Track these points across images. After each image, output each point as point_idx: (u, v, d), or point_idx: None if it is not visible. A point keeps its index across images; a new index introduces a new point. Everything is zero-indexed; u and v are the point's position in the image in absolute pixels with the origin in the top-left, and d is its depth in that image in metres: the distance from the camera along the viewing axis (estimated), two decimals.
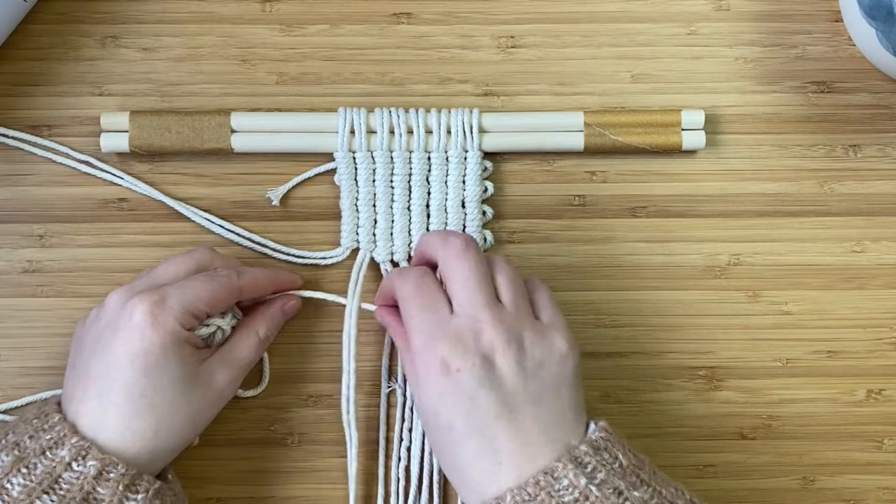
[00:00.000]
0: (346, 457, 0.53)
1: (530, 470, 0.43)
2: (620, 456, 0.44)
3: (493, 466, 0.44)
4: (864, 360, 0.55)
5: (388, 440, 0.54)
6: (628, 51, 0.56)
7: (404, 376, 0.54)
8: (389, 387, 0.54)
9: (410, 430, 0.53)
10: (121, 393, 0.45)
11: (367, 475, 0.53)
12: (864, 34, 0.53)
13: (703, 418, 0.55)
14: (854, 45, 0.56)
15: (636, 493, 0.43)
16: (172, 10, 0.55)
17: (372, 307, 0.52)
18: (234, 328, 0.50)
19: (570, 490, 0.42)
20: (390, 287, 0.49)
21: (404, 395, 0.54)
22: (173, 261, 0.50)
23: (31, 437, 0.45)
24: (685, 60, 0.56)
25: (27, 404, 0.53)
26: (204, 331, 0.49)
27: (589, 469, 0.43)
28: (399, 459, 0.53)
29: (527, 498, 0.42)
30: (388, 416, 0.54)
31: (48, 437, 0.45)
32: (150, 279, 0.49)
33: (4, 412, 0.53)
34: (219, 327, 0.49)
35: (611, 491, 0.42)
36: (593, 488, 0.42)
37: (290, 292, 0.53)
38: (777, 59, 0.56)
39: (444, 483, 0.54)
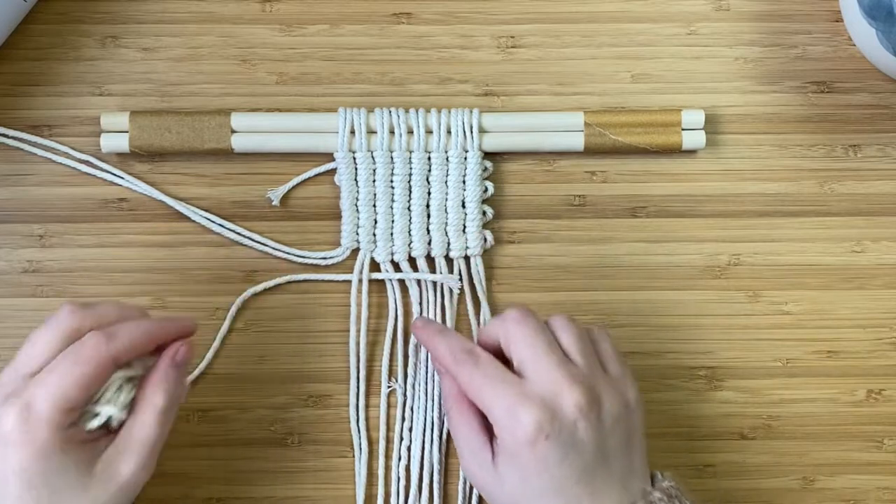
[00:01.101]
0: (345, 457, 0.53)
1: None
2: None
3: None
4: (864, 360, 0.55)
5: (388, 440, 0.54)
6: (628, 51, 0.56)
7: (405, 375, 0.54)
8: (389, 387, 0.54)
9: (410, 430, 0.54)
10: None
11: (367, 474, 0.53)
12: (864, 34, 0.53)
13: (703, 418, 0.55)
14: (854, 45, 0.56)
15: None
16: (172, 10, 0.56)
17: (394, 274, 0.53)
18: (133, 399, 0.44)
19: None
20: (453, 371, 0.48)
21: (405, 395, 0.54)
22: (37, 339, 0.44)
23: None
24: (685, 60, 0.56)
25: None
26: (94, 423, 0.43)
27: None
28: (399, 458, 0.53)
29: None
30: (388, 416, 0.54)
31: None
32: (16, 369, 0.43)
33: None
34: (110, 416, 0.43)
35: None
36: None
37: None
38: (777, 59, 0.56)
39: (445, 482, 0.54)
